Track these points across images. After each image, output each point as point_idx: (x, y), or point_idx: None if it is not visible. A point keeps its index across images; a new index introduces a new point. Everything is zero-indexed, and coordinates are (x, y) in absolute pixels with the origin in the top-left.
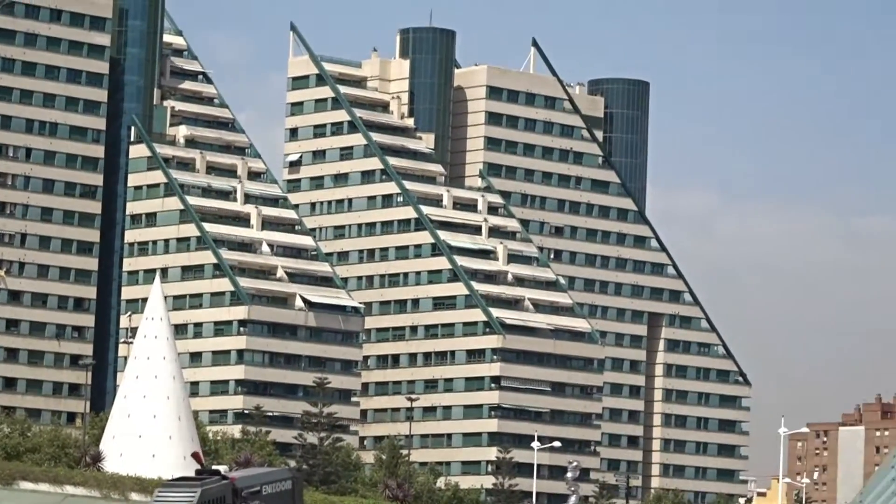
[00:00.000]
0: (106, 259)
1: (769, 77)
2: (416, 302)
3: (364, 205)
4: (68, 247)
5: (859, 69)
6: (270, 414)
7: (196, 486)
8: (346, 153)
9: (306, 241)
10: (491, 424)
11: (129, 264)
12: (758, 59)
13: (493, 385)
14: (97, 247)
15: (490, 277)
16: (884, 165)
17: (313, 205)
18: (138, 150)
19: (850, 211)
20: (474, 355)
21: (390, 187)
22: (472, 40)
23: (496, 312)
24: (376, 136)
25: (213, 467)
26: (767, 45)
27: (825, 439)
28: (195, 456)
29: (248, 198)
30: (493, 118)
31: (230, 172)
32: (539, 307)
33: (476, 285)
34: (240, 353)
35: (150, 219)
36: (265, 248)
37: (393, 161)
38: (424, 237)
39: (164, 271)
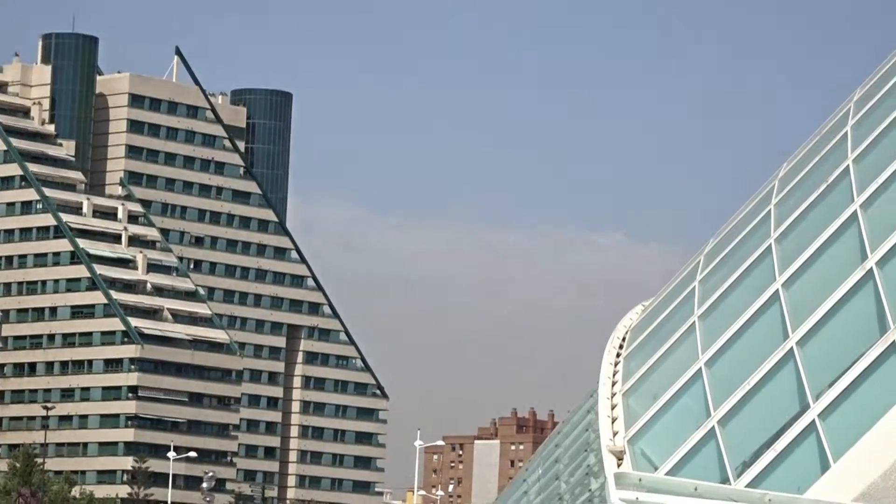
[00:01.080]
0: None
1: (412, 91)
2: (53, 310)
3: (3, 211)
4: None
5: (513, 83)
6: None
7: None
8: None
9: None
10: (127, 434)
11: None
12: (398, 72)
13: (129, 395)
14: None
15: (129, 287)
16: (526, 181)
17: None
18: None
19: (489, 225)
20: (112, 365)
21: (30, 194)
22: (115, 47)
23: (134, 322)
24: (16, 142)
25: None
26: (406, 61)
27: (461, 452)
28: None
29: None
30: (135, 126)
31: None
32: (178, 317)
33: (115, 294)
34: None
35: None
36: None
37: (33, 167)
38: (63, 245)
39: None
